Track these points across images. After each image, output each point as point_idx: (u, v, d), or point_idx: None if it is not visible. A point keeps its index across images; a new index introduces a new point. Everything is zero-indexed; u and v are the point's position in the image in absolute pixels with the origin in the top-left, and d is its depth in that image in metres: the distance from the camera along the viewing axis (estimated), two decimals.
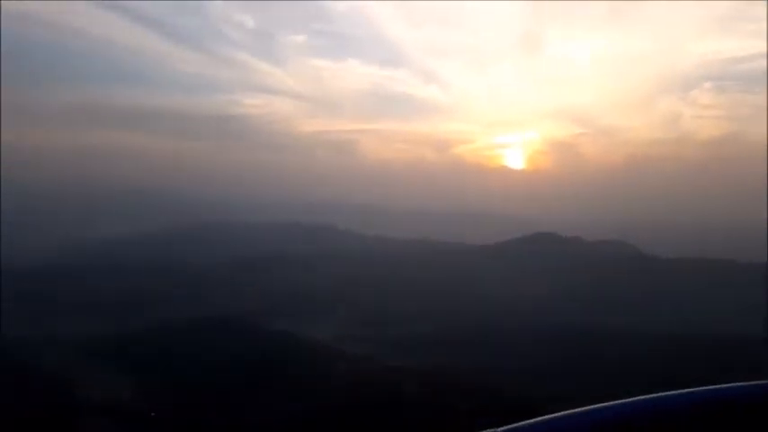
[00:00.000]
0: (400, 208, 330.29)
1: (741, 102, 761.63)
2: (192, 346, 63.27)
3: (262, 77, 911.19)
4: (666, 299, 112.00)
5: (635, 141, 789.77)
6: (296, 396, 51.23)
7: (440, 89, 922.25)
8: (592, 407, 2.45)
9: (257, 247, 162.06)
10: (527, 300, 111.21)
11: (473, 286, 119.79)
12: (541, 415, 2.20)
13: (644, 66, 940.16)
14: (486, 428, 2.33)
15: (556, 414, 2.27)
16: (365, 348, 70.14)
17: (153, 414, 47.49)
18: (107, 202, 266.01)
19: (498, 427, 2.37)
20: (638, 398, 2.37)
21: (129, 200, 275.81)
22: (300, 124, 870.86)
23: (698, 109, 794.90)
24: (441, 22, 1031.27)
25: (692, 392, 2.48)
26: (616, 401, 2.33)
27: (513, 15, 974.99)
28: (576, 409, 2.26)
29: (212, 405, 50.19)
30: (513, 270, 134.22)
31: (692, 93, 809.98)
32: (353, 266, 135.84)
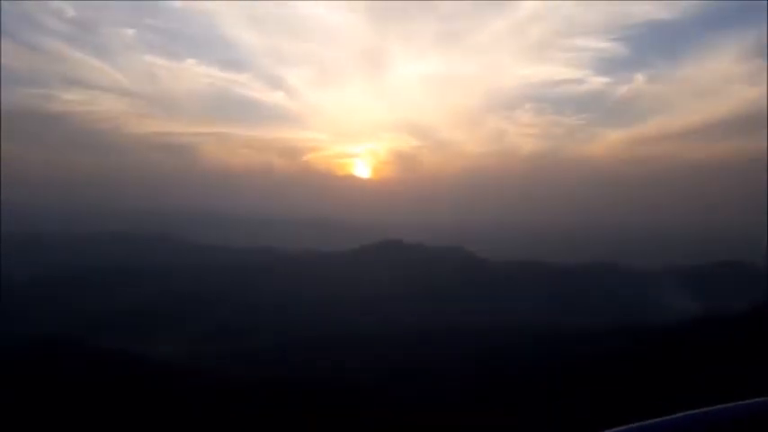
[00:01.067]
0: (245, 216, 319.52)
1: (555, 122, 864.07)
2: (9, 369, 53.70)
3: (84, 71, 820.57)
4: (496, 299, 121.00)
5: (467, 154, 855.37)
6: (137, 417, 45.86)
7: (287, 96, 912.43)
8: None
9: (82, 260, 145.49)
10: (372, 306, 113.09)
11: (319, 294, 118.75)
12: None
13: (473, 86, 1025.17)
14: None
15: None
16: (208, 363, 65.59)
17: None
18: None
19: None
20: (644, 422, 2.39)
21: None
22: (131, 125, 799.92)
23: (520, 127, 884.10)
24: (287, 31, 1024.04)
25: (693, 414, 2.51)
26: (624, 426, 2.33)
27: (358, 31, 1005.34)
28: None
29: None
30: (359, 277, 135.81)
31: (515, 112, 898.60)
32: (193, 278, 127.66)
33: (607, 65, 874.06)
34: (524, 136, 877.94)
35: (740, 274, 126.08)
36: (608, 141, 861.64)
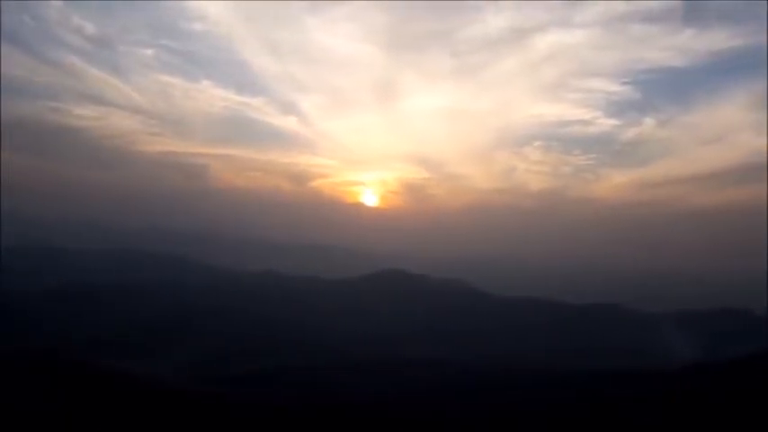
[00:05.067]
0: (250, 238, 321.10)
1: (563, 161, 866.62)
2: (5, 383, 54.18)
3: (99, 88, 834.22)
4: (494, 333, 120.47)
5: (475, 188, 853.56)
6: None
7: (299, 122, 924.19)
8: None
9: (89, 275, 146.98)
10: (370, 334, 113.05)
11: (318, 321, 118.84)
12: None
13: (484, 121, 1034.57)
14: None
15: None
16: (210, 386, 65.80)
17: None
18: None
19: None
20: None
21: None
22: (143, 143, 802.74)
23: (529, 164, 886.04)
24: (303, 58, 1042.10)
25: None
26: None
27: (373, 62, 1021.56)
28: None
29: None
30: (360, 305, 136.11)
31: (524, 149, 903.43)
32: (193, 299, 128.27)
33: (617, 107, 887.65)
34: (533, 173, 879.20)
35: (742, 322, 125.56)
36: (614, 183, 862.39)
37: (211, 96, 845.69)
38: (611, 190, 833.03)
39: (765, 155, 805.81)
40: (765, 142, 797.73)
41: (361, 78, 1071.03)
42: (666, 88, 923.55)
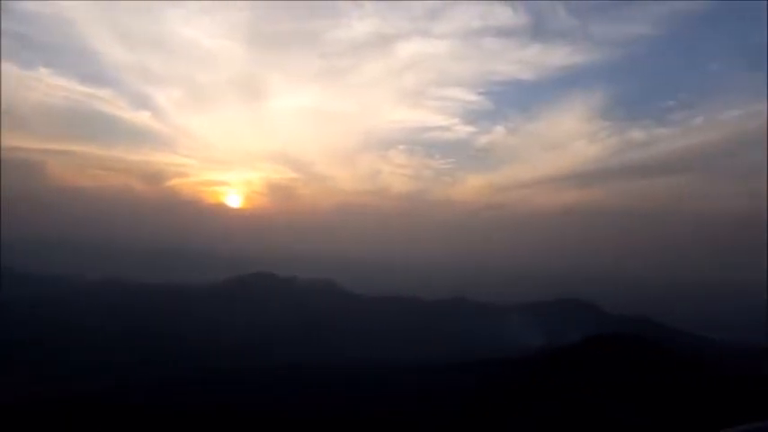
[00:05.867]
0: (96, 243, 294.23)
1: (425, 165, 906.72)
2: None
3: None
4: (363, 333, 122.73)
5: (342, 189, 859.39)
6: None
7: (153, 117, 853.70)
8: None
9: None
10: (238, 341, 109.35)
11: (174, 330, 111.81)
12: None
13: (350, 124, 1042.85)
14: None
15: None
16: (42, 406, 58.97)
17: None
18: None
19: None
20: None
21: None
22: None
23: (393, 167, 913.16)
24: (158, 50, 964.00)
25: None
26: None
27: (235, 58, 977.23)
28: None
29: None
30: (227, 310, 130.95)
31: (388, 152, 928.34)
32: (32, 313, 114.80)
33: (473, 115, 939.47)
34: (397, 176, 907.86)
35: (579, 311, 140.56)
36: (470, 186, 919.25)
37: (50, 86, 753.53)
38: (467, 192, 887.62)
39: (599, 162, 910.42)
40: (598, 150, 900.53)
41: (223, 74, 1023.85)
42: (515, 99, 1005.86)
